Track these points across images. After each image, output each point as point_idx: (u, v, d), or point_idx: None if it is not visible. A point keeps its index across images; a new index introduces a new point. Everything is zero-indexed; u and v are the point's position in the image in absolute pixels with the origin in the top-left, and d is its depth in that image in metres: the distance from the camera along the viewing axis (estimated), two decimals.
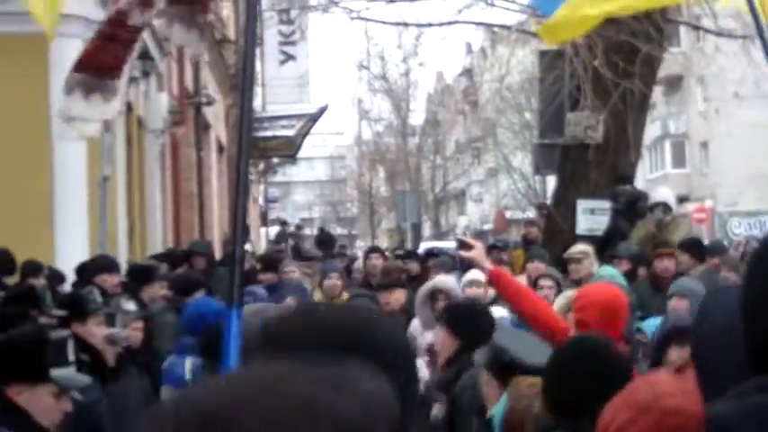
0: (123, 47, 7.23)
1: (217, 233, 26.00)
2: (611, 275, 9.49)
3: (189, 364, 7.32)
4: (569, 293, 7.03)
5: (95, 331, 6.66)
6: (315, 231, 41.01)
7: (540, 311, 5.90)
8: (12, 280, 10.50)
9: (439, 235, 56.51)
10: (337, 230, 58.96)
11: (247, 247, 17.28)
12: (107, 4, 8.32)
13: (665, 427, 2.49)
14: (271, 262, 13.07)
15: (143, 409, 7.67)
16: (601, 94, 13.84)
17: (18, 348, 4.58)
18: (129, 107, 16.65)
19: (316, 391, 1.35)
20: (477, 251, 6.21)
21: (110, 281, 9.39)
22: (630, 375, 3.72)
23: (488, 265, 6.14)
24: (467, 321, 6.19)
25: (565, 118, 14.29)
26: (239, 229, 3.46)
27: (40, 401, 4.54)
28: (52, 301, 7.26)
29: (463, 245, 6.44)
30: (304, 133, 30.42)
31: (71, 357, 4.83)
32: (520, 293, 6.04)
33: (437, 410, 6.34)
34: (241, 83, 3.62)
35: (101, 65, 7.49)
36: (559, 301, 7.39)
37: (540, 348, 5.01)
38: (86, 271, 9.94)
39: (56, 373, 4.63)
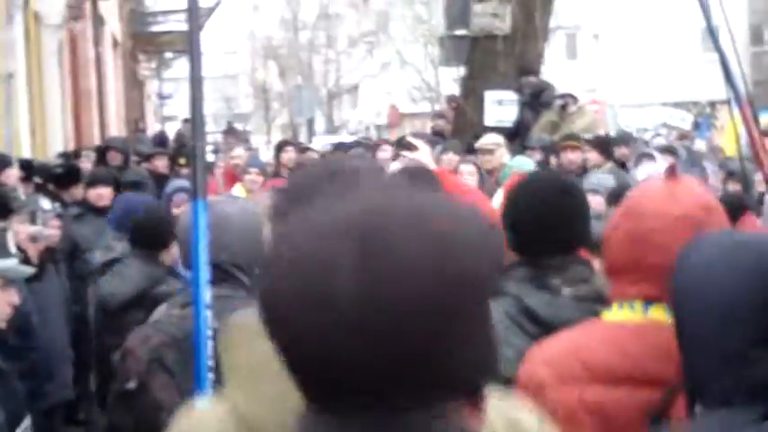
0: None
1: (116, 131, 25.59)
2: (519, 164, 9.41)
3: None
4: None
5: (19, 229, 6.57)
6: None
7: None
8: None
9: (332, 130, 56.11)
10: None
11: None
12: None
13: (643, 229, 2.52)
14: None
15: (63, 307, 7.64)
16: None
17: None
18: (25, 1, 16.22)
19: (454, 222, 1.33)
20: (422, 151, 6.14)
21: (12, 176, 9.26)
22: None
23: (433, 165, 6.08)
24: None
25: (471, 9, 14.23)
26: (198, 123, 3.40)
27: None
28: None
29: (408, 146, 6.35)
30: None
31: (12, 249, 4.73)
32: (463, 194, 5.98)
33: None
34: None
35: None
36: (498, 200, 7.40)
37: None
38: None
39: None
